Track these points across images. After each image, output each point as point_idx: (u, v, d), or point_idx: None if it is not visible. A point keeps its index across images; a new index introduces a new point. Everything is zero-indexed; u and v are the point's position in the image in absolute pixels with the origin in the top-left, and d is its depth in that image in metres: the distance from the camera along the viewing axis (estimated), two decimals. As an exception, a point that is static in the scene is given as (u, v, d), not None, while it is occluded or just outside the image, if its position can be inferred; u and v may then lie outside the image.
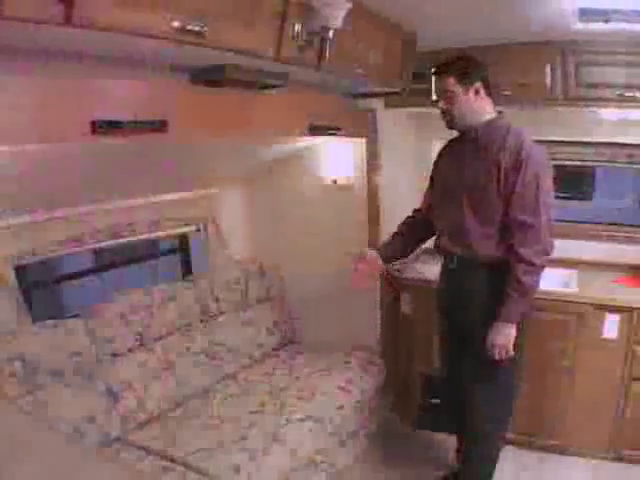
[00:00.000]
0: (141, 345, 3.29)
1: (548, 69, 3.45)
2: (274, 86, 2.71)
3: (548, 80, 3.47)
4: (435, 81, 2.96)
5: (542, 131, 3.88)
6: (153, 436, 2.98)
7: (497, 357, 2.81)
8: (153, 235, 3.75)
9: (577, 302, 3.46)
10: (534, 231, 2.71)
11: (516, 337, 2.81)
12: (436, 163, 3.21)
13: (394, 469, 3.61)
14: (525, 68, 3.52)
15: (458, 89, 2.80)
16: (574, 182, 5.40)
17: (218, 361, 3.69)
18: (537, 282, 2.82)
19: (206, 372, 3.58)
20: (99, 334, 3.07)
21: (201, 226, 4.05)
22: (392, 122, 3.95)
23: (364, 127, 3.75)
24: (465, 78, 2.79)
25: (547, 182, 2.73)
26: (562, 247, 4.12)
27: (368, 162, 3.88)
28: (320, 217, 4.15)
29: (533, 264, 2.73)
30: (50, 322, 2.94)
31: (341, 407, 3.41)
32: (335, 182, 4.03)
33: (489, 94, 2.86)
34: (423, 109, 3.88)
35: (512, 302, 2.76)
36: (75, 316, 3.12)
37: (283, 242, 4.31)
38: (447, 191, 2.99)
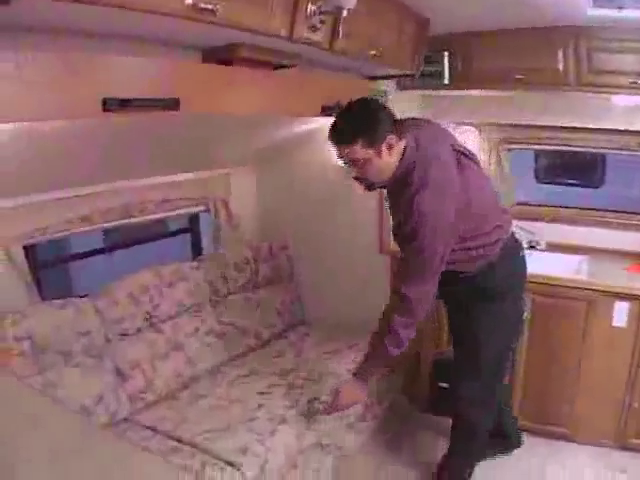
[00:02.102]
0: (150, 325, 3.28)
1: (560, 54, 3.41)
2: (286, 66, 2.69)
3: (560, 65, 3.44)
4: (336, 149, 2.56)
5: (553, 117, 3.87)
6: (161, 416, 2.99)
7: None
8: (163, 215, 3.73)
9: (587, 289, 3.44)
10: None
11: (486, 320, 2.82)
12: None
13: (402, 452, 3.62)
14: (538, 53, 3.48)
15: (369, 154, 2.48)
16: (585, 169, 5.34)
17: (227, 342, 3.68)
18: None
19: (215, 353, 3.58)
20: (108, 314, 3.06)
21: (211, 206, 4.03)
22: (404, 104, 3.92)
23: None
24: (373, 138, 2.46)
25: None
26: (572, 234, 4.16)
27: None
28: (331, 198, 4.13)
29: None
30: (59, 302, 2.93)
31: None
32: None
33: (400, 134, 2.53)
34: (435, 92, 3.87)
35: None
36: (84, 296, 3.12)
37: (293, 223, 4.30)
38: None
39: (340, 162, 2.69)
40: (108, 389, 2.93)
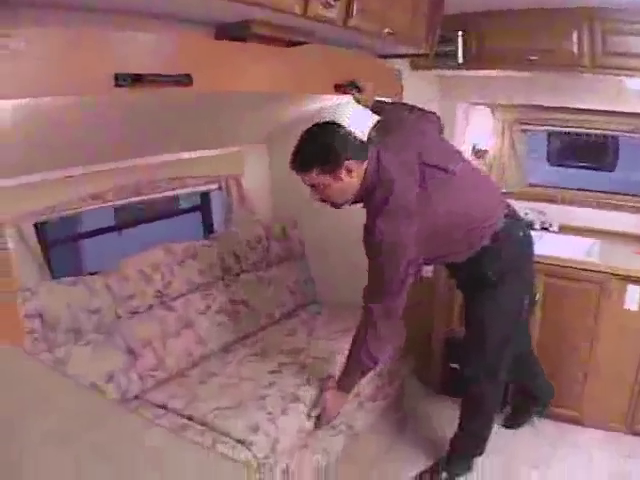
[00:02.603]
0: (161, 303, 3.28)
1: (575, 36, 3.38)
2: (299, 43, 2.67)
3: (575, 47, 3.40)
4: (297, 175, 2.61)
5: (566, 98, 3.84)
6: (172, 394, 2.98)
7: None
8: (175, 193, 3.72)
9: (598, 271, 3.43)
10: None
11: (490, 305, 2.87)
12: None
13: (412, 433, 3.65)
14: (552, 34, 3.44)
15: (327, 179, 2.54)
16: (597, 152, 5.30)
17: (238, 320, 3.67)
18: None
19: (226, 331, 3.57)
20: (119, 291, 3.06)
21: (223, 184, 4.02)
22: (417, 84, 3.90)
23: (391, 86, 3.69)
24: (330, 166, 2.51)
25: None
26: (584, 216, 4.14)
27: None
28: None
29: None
30: (69, 279, 2.93)
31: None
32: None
33: (362, 157, 2.56)
34: (449, 72, 3.85)
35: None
36: (95, 273, 3.12)
37: (305, 202, 4.29)
38: None
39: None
40: (119, 367, 2.93)
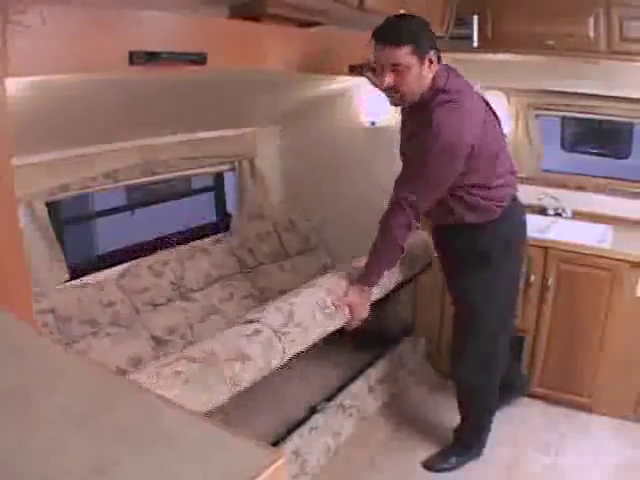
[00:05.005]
0: (180, 295, 3.30)
1: (592, 21, 3.34)
2: (314, 24, 2.66)
3: (591, 32, 3.37)
4: (380, 50, 2.43)
5: (582, 84, 3.81)
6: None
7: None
8: (187, 173, 3.74)
9: (611, 258, 3.40)
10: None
11: (482, 289, 2.83)
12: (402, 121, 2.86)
13: (421, 417, 3.64)
14: (568, 19, 3.41)
15: (413, 61, 2.40)
16: (612, 138, 5.28)
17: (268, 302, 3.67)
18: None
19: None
20: (129, 285, 3.10)
21: (237, 165, 4.03)
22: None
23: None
24: (422, 48, 2.40)
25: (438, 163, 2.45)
26: (597, 202, 4.11)
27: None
28: (356, 160, 4.12)
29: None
30: (77, 282, 3.01)
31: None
32: (373, 124, 3.96)
33: (439, 58, 2.51)
34: (464, 55, 3.81)
35: None
36: (105, 258, 3.13)
37: (318, 184, 4.30)
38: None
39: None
40: (146, 352, 2.96)
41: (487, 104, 2.69)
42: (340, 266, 3.00)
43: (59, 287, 2.95)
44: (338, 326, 2.66)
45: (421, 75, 2.44)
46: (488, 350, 2.98)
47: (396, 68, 2.42)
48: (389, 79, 2.45)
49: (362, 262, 2.76)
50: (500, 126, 2.75)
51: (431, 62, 2.44)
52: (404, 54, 2.38)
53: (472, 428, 3.22)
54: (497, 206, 2.69)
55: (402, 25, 2.40)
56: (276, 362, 2.26)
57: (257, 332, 2.24)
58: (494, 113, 2.71)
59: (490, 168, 2.62)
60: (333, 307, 2.59)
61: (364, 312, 2.76)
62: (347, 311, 2.68)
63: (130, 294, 3.10)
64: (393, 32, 2.39)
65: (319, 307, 2.54)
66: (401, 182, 2.58)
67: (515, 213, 2.82)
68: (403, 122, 2.80)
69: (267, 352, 2.21)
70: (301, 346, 2.42)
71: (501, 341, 3.03)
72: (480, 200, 2.65)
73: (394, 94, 2.52)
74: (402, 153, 2.73)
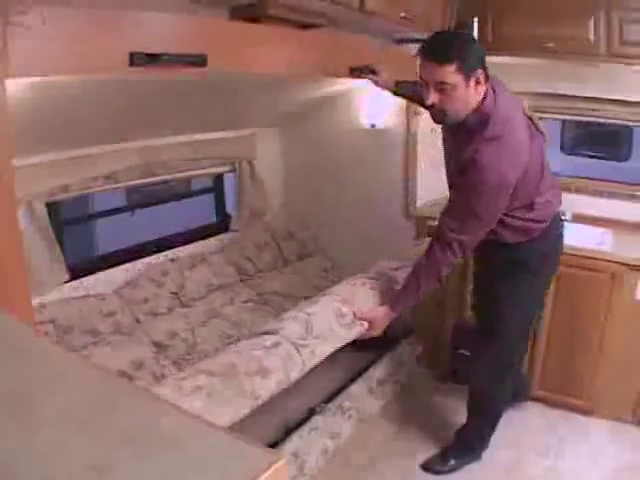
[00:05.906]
0: (181, 304, 3.31)
1: (592, 24, 3.35)
2: (314, 25, 2.66)
3: (591, 35, 3.37)
4: (425, 67, 2.34)
5: (582, 87, 3.81)
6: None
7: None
8: (187, 174, 3.74)
9: (610, 261, 3.40)
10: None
11: (513, 297, 2.81)
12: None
13: (421, 419, 3.63)
14: (568, 22, 3.42)
15: (460, 80, 2.30)
16: (611, 141, 5.28)
17: (270, 305, 3.70)
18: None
19: (259, 315, 3.58)
20: (129, 296, 3.11)
21: (237, 166, 4.04)
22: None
23: (406, 72, 3.66)
24: (469, 66, 2.29)
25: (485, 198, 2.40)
26: (597, 206, 4.11)
27: (408, 106, 3.78)
28: (357, 163, 4.12)
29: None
30: (77, 294, 3.02)
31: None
32: (373, 126, 3.97)
33: (486, 77, 2.38)
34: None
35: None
36: (105, 259, 3.13)
37: (318, 187, 4.30)
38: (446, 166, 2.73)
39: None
40: (148, 356, 2.96)
41: (530, 118, 2.60)
42: (354, 277, 3.00)
43: (59, 289, 2.95)
44: (354, 337, 2.68)
45: (467, 95, 2.35)
46: (507, 361, 2.99)
47: (441, 87, 2.33)
48: (434, 97, 2.37)
49: (399, 283, 2.81)
50: (544, 137, 2.67)
51: (478, 82, 2.34)
52: (449, 72, 2.28)
53: (477, 430, 3.22)
54: (538, 226, 2.67)
55: (448, 41, 2.34)
56: (295, 374, 2.28)
57: (276, 345, 2.26)
58: (536, 126, 2.62)
59: (534, 189, 2.59)
60: (352, 318, 2.62)
61: (380, 331, 2.79)
62: (366, 326, 2.70)
63: (130, 304, 3.12)
64: (439, 49, 2.32)
65: (335, 316, 2.55)
66: (450, 218, 2.53)
67: (552, 227, 2.77)
68: (444, 138, 2.75)
69: (286, 365, 2.23)
70: (320, 357, 2.44)
71: (518, 353, 3.05)
72: (523, 222, 2.63)
73: (438, 112, 2.44)
74: (448, 177, 2.69)
